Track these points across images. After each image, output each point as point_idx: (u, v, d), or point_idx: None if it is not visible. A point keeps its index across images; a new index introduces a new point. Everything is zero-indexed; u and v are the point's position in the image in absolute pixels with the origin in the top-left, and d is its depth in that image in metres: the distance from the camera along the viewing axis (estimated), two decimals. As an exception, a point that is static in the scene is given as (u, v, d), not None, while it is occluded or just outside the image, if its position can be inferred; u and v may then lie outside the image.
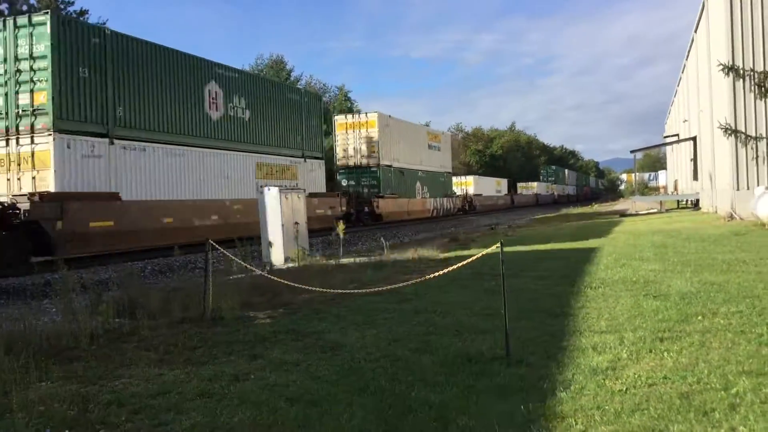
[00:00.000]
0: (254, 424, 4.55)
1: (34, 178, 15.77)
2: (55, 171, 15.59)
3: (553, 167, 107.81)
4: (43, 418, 4.76)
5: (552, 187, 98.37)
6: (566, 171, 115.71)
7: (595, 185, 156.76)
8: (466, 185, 60.74)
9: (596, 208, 55.41)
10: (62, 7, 36.10)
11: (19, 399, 5.16)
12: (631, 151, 45.04)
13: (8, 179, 16.05)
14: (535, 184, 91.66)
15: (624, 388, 4.89)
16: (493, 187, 72.71)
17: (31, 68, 15.71)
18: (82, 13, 37.10)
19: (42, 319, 8.63)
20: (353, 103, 63.56)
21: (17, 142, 15.92)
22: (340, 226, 17.09)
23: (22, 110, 15.81)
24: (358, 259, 15.34)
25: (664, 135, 62.66)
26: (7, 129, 16.02)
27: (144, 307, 8.74)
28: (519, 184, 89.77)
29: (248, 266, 10.12)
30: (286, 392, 5.21)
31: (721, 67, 23.33)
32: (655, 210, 38.50)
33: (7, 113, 15.98)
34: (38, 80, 15.70)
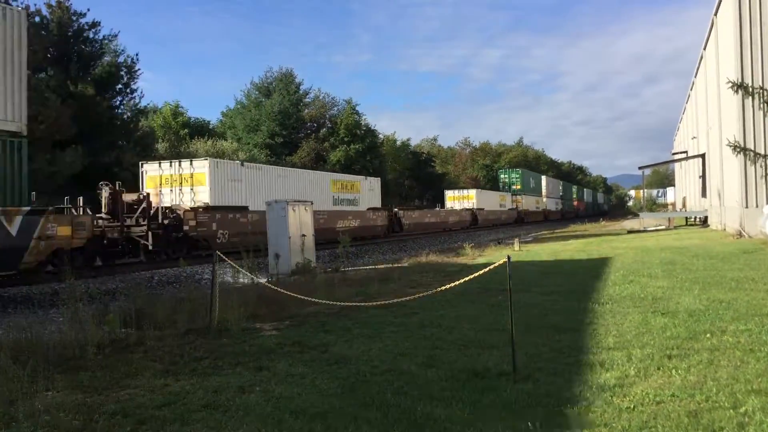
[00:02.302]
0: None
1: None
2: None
3: (519, 170, 76.58)
4: (49, 428, 4.76)
5: (516, 200, 70.03)
6: (543, 178, 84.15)
7: (592, 200, 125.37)
8: (192, 183, 25.29)
9: (602, 225, 55.05)
10: (74, 18, 36.41)
11: (25, 408, 5.17)
12: (640, 168, 45.01)
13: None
14: (473, 193, 59.17)
15: (632, 406, 4.85)
16: (326, 190, 33.46)
17: None
18: (94, 25, 37.39)
19: (49, 329, 8.65)
20: (361, 116, 63.66)
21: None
22: (346, 239, 17.09)
23: None
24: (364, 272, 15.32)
25: (673, 152, 62.60)
26: None
27: (150, 318, 8.76)
28: (448, 193, 60.57)
29: (255, 278, 10.13)
30: (291, 405, 5.20)
31: (731, 84, 23.32)
32: (663, 227, 38.35)
33: None
34: None
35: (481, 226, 56.17)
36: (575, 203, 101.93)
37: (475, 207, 57.14)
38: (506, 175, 74.45)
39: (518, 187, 72.08)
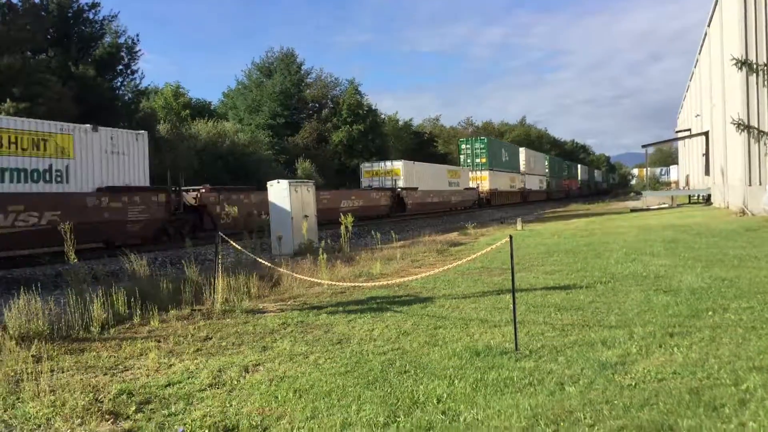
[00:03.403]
0: (263, 416, 4.57)
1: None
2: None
3: (484, 139, 57.27)
4: (54, 408, 4.80)
5: (478, 177, 52.82)
6: (521, 150, 68.28)
7: (588, 177, 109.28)
8: None
9: (605, 204, 54.88)
10: (74, 0, 36.15)
11: (30, 389, 5.21)
12: (643, 146, 44.78)
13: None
14: (399, 166, 39.29)
15: (633, 383, 4.87)
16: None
17: None
18: (94, 5, 37.12)
19: (54, 310, 8.70)
20: (363, 96, 63.32)
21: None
22: (348, 219, 17.07)
23: None
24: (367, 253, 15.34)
25: (676, 130, 62.32)
26: None
27: (155, 299, 8.81)
28: (364, 167, 41.08)
29: (258, 258, 10.16)
30: (295, 384, 5.23)
31: (735, 61, 23.13)
32: (667, 205, 38.30)
33: None
34: None
35: (411, 214, 38.74)
36: (565, 182, 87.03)
37: (400, 186, 38.39)
38: (467, 144, 55.39)
39: (483, 160, 53.71)
